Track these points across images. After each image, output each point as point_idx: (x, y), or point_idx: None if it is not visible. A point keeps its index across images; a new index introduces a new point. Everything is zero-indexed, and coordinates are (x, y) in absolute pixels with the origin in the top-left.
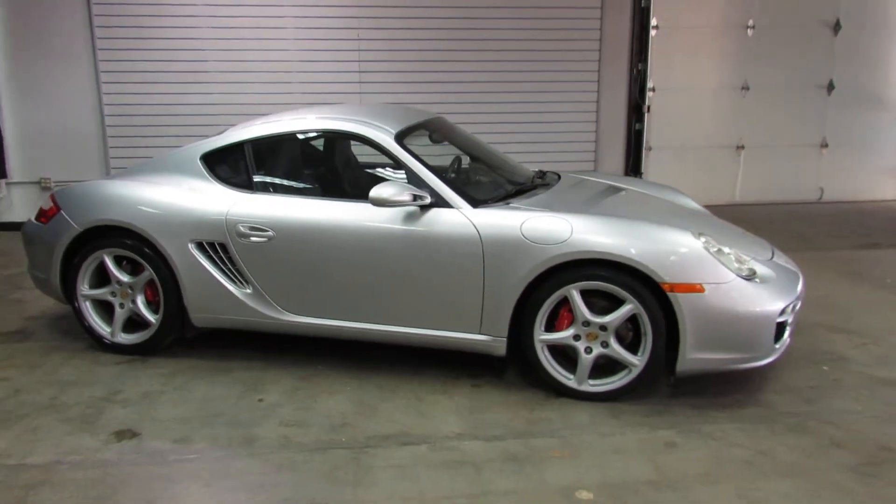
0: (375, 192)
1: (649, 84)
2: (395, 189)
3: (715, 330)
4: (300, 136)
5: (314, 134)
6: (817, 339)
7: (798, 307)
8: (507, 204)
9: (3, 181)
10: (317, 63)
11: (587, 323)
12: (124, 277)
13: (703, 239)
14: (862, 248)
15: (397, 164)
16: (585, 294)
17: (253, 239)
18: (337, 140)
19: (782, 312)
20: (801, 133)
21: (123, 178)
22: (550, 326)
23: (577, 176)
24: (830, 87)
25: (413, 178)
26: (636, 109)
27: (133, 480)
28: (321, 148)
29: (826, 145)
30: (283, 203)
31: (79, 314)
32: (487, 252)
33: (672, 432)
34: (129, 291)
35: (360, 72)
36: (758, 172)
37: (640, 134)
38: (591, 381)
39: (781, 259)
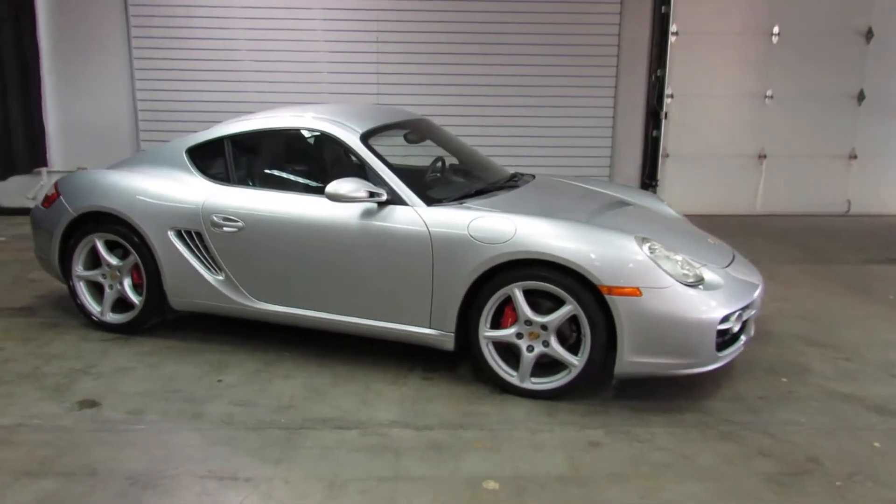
0: (332, 187)
1: (668, 91)
2: (352, 185)
3: (652, 334)
4: (274, 133)
5: (287, 131)
6: (789, 350)
7: (751, 316)
8: (461, 203)
9: (45, 169)
10: (337, 64)
11: (529, 322)
12: (113, 261)
13: (646, 244)
14: (877, 263)
15: (360, 162)
16: (532, 294)
17: (225, 229)
18: (307, 137)
19: (725, 320)
20: (828, 143)
21: (119, 168)
22: (497, 324)
23: (555, 179)
24: (861, 96)
25: (373, 176)
26: (654, 116)
27: (81, 445)
28: (293, 144)
29: (855, 156)
30: (253, 196)
31: (73, 293)
32: (436, 249)
33: (601, 432)
34: (118, 274)
35: (377, 73)
36: (781, 183)
37: (657, 141)
38: (534, 379)
39: (740, 267)
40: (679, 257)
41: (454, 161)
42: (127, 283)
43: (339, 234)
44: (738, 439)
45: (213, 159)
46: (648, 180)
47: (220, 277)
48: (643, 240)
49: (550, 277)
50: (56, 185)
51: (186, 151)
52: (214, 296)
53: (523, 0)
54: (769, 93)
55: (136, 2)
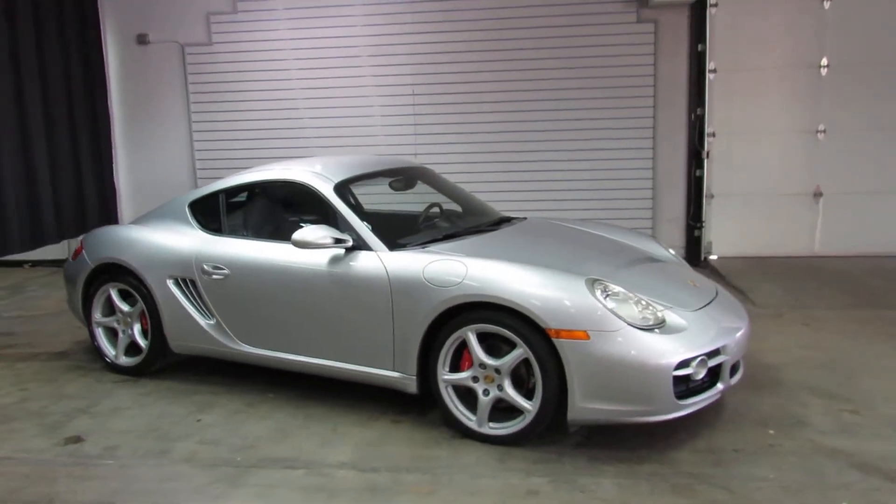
0: (298, 235)
1: (709, 129)
2: (318, 233)
3: (602, 379)
4: (261, 186)
5: (272, 183)
6: (792, 401)
7: (725, 361)
8: (424, 247)
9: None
10: (375, 118)
11: (483, 365)
12: (125, 307)
13: (598, 286)
14: None
15: (332, 210)
16: (491, 337)
17: (214, 276)
18: (289, 188)
19: (684, 365)
20: (892, 178)
21: (135, 223)
22: (457, 367)
23: (547, 220)
24: None
25: (342, 223)
26: (696, 156)
27: (51, 477)
28: (277, 195)
29: None
30: (238, 245)
31: (92, 337)
32: (394, 292)
33: (545, 480)
34: (129, 320)
35: (415, 125)
36: (841, 222)
37: (700, 181)
38: (492, 424)
39: (720, 310)
40: (638, 299)
41: (454, 206)
42: (137, 328)
43: (309, 279)
44: (690, 494)
45: (209, 212)
46: (693, 222)
47: (212, 322)
48: (594, 282)
49: (501, 320)
50: (82, 240)
51: (188, 205)
52: (207, 339)
53: (556, 47)
54: (821, 127)
55: (195, 78)
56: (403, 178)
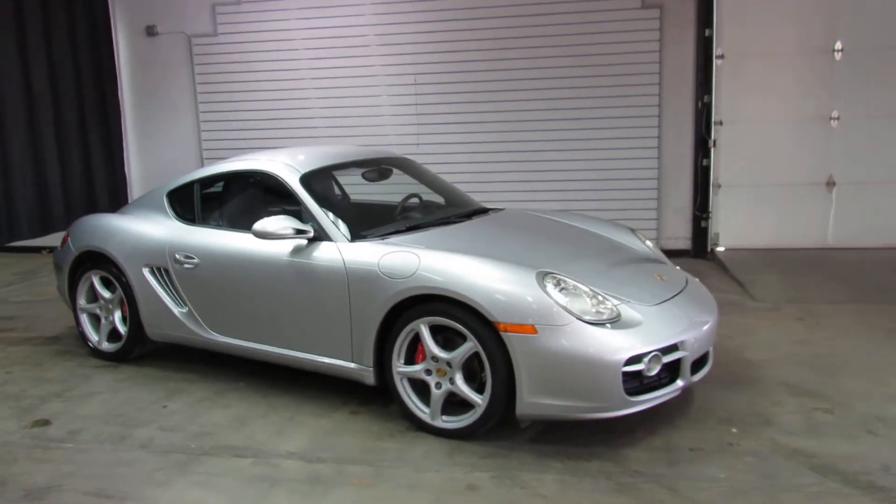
0: (259, 225)
1: (716, 117)
2: (279, 223)
3: (550, 374)
4: (232, 176)
5: (242, 173)
6: (765, 399)
7: (684, 357)
8: (384, 239)
9: None
10: (378, 108)
11: (435, 358)
12: (106, 294)
13: (549, 279)
14: None
15: (297, 200)
16: (446, 330)
17: (185, 265)
18: (258, 178)
19: (635, 361)
20: None
21: (118, 212)
22: (412, 359)
23: (524, 212)
24: None
25: (306, 213)
26: (702, 145)
27: (9, 458)
28: (246, 185)
29: None
30: (209, 235)
31: (77, 323)
32: (351, 283)
33: (487, 476)
34: (110, 307)
35: (417, 114)
36: (855, 212)
37: (707, 171)
38: (445, 418)
39: (684, 305)
40: (593, 293)
41: (437, 197)
42: (117, 315)
43: (272, 269)
44: (633, 493)
45: (185, 201)
46: (700, 212)
47: (185, 311)
48: (546, 275)
49: (452, 313)
50: (69, 228)
51: (166, 195)
52: (180, 328)
53: (559, 34)
54: (835, 114)
55: (202, 68)
56: (377, 168)
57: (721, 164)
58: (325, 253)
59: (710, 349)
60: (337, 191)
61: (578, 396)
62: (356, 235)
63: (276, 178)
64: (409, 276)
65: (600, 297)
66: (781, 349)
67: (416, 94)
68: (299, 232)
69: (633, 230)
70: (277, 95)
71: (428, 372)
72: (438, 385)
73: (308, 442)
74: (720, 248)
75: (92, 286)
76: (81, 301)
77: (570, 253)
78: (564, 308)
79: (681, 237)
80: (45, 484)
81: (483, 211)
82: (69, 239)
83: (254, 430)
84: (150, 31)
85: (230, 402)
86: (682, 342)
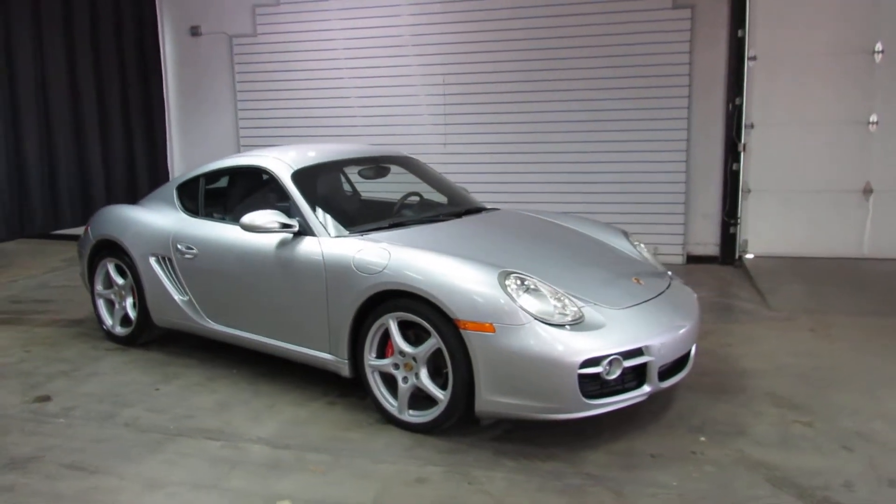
0: (247, 218)
1: (747, 120)
2: (266, 217)
3: (507, 373)
4: (232, 171)
5: (241, 168)
6: (745, 409)
7: (651, 361)
8: (364, 235)
9: None
10: (407, 107)
11: (403, 353)
12: (119, 281)
13: (512, 279)
14: None
15: (287, 196)
16: (415, 326)
17: (186, 255)
18: (255, 173)
19: (592, 364)
20: None
21: (138, 203)
22: (384, 353)
23: (516, 213)
24: None
25: (294, 208)
26: (733, 148)
27: (3, 429)
28: (245, 180)
29: None
30: (207, 226)
31: (95, 307)
32: (328, 277)
33: (439, 470)
34: (123, 293)
35: (445, 114)
36: (894, 221)
37: (737, 175)
38: (411, 412)
39: (657, 310)
40: (558, 294)
41: (441, 196)
42: (129, 301)
43: (260, 261)
44: (577, 495)
45: (190, 194)
46: (728, 218)
47: (185, 299)
48: (508, 275)
49: (417, 310)
50: (91, 218)
51: (176, 188)
52: (182, 315)
53: (588, 35)
54: (873, 118)
55: (241, 67)
56: (374, 167)
57: (751, 169)
58: (307, 247)
59: (692, 354)
60: (347, 188)
61: (535, 397)
62: (338, 231)
63: (271, 174)
64: (380, 271)
65: (564, 299)
66: (780, 360)
67: (444, 95)
68: (285, 226)
69: (626, 233)
70: (312, 94)
71: (396, 366)
72: (405, 379)
73: (279, 429)
74: (749, 256)
75: (108, 273)
76: (98, 287)
77: (549, 254)
78: (523, 308)
79: (709, 243)
80: (29, 455)
81: (476, 210)
82: (89, 228)
83: (233, 415)
84: (194, 32)
85: (219, 387)
86: (647, 347)
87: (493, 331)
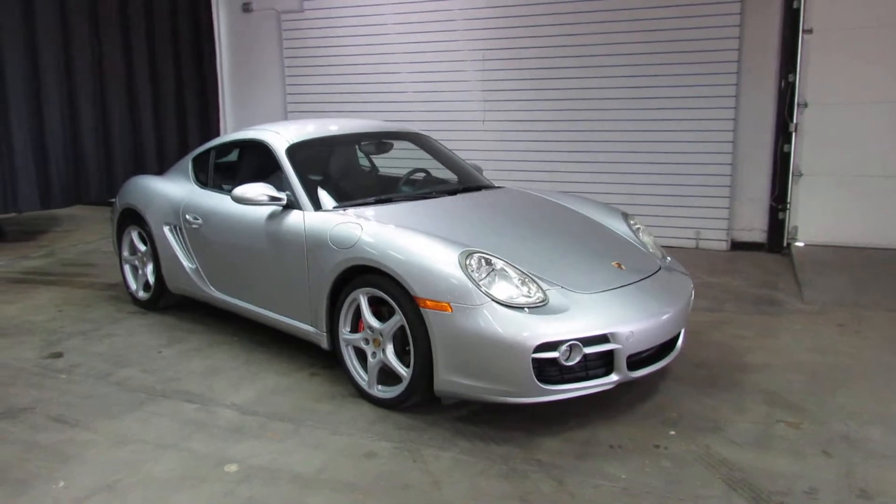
0: (238, 190)
1: (800, 98)
2: (257, 190)
3: (463, 353)
4: (238, 144)
5: (245, 142)
6: (731, 405)
7: (618, 349)
8: (346, 209)
9: None
10: (445, 83)
11: (371, 328)
12: (142, 248)
13: (474, 258)
14: None
15: (281, 169)
16: (386, 303)
17: (192, 225)
18: (257, 147)
19: (548, 348)
20: None
21: (161, 175)
22: (357, 328)
23: (518, 191)
24: None
25: (285, 182)
26: (783, 129)
27: (9, 382)
28: (249, 153)
29: None
30: (211, 197)
31: (122, 272)
32: (308, 251)
33: (391, 445)
34: (144, 259)
35: (483, 90)
36: None
37: (787, 158)
38: (380, 387)
39: (641, 293)
40: (523, 276)
41: (450, 173)
42: (149, 267)
43: (253, 232)
44: (516, 480)
45: (202, 167)
46: (777, 203)
47: (193, 266)
48: (470, 254)
49: (383, 286)
50: (121, 187)
51: (192, 160)
52: (189, 282)
53: (631, 7)
54: None
55: (289, 42)
56: (375, 143)
57: (804, 151)
58: (292, 220)
59: (678, 344)
60: (364, 163)
61: (491, 379)
62: (322, 205)
63: (268, 148)
64: (351, 246)
65: (530, 282)
66: (793, 355)
67: (484, 70)
68: (273, 199)
69: (626, 215)
70: (355, 69)
71: (366, 341)
72: (374, 355)
73: (255, 396)
74: (798, 244)
75: (132, 240)
76: (125, 253)
77: (532, 235)
78: (481, 288)
79: (755, 229)
80: (24, 406)
81: (477, 188)
82: (118, 197)
83: (217, 380)
84: (246, 8)
85: (215, 353)
86: (613, 334)
87: (451, 310)
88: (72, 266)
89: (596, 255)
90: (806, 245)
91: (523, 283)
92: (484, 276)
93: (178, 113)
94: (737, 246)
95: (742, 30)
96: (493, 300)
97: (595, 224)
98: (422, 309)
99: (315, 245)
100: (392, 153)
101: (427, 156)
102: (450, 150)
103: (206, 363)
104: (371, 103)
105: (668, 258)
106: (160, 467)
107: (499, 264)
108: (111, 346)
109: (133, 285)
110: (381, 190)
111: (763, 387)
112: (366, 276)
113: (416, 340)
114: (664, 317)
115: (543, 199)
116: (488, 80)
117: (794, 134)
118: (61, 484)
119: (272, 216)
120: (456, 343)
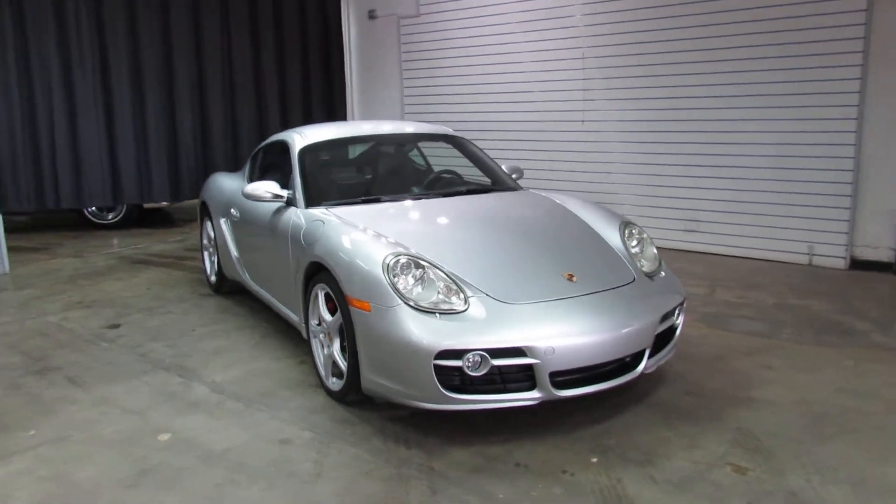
0: (248, 188)
1: None
2: (262, 187)
3: (378, 354)
4: (275, 143)
5: (278, 142)
6: (687, 440)
7: (535, 364)
8: (329, 208)
9: None
10: (547, 83)
11: (322, 322)
12: (212, 236)
13: (400, 259)
14: None
15: (291, 167)
16: None
17: (233, 218)
18: (284, 146)
19: (452, 356)
20: None
21: (232, 172)
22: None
23: (533, 193)
24: None
25: (292, 180)
26: None
27: (58, 343)
28: (281, 152)
29: None
30: None
31: (202, 259)
32: (292, 246)
33: (310, 435)
34: (213, 248)
35: (584, 90)
36: None
37: None
38: (333, 379)
39: (587, 308)
40: (449, 282)
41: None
42: (215, 256)
43: (262, 226)
44: (395, 485)
45: (253, 164)
46: None
47: (237, 255)
48: (397, 255)
49: (331, 282)
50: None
51: (250, 158)
52: (235, 270)
53: None
54: None
55: (407, 46)
56: (395, 144)
57: None
58: (286, 216)
59: (640, 367)
60: (420, 162)
61: (401, 381)
62: (310, 203)
63: (289, 147)
64: (313, 243)
65: (455, 287)
66: (813, 394)
67: (584, 69)
68: (276, 196)
69: (626, 223)
70: (468, 71)
71: (324, 334)
72: (326, 347)
73: (237, 377)
74: None
75: (206, 230)
76: (204, 241)
77: (490, 241)
78: (397, 290)
79: (882, 247)
80: (58, 365)
81: (486, 190)
82: (201, 191)
83: (216, 360)
84: (371, 15)
85: (234, 336)
86: (529, 348)
87: (370, 309)
88: (190, 251)
89: (551, 263)
90: None
91: (448, 289)
92: (410, 279)
93: (304, 114)
94: (858, 265)
95: (870, 14)
96: (405, 303)
97: (584, 231)
98: (349, 307)
99: (295, 240)
100: (428, 153)
101: (458, 154)
102: (483, 152)
103: (220, 344)
104: (479, 104)
105: (663, 272)
106: (110, 429)
107: (429, 269)
108: (161, 322)
109: (208, 270)
110: (381, 190)
111: (744, 425)
112: (323, 271)
113: (349, 338)
114: (607, 334)
115: (550, 204)
116: (588, 77)
117: None
118: (31, 432)
119: (276, 212)
120: (373, 343)
